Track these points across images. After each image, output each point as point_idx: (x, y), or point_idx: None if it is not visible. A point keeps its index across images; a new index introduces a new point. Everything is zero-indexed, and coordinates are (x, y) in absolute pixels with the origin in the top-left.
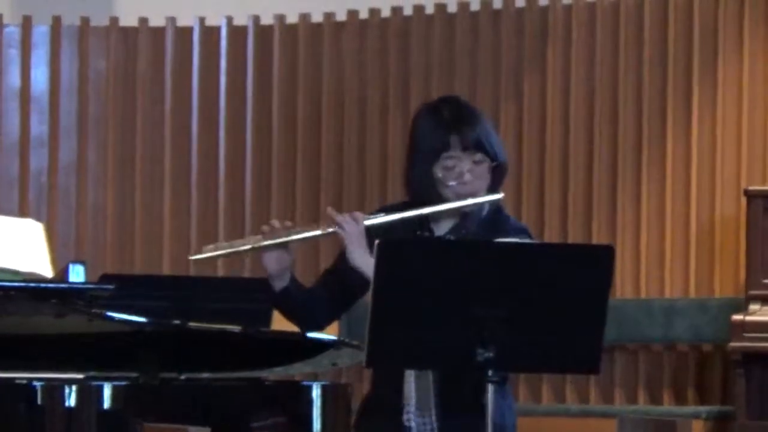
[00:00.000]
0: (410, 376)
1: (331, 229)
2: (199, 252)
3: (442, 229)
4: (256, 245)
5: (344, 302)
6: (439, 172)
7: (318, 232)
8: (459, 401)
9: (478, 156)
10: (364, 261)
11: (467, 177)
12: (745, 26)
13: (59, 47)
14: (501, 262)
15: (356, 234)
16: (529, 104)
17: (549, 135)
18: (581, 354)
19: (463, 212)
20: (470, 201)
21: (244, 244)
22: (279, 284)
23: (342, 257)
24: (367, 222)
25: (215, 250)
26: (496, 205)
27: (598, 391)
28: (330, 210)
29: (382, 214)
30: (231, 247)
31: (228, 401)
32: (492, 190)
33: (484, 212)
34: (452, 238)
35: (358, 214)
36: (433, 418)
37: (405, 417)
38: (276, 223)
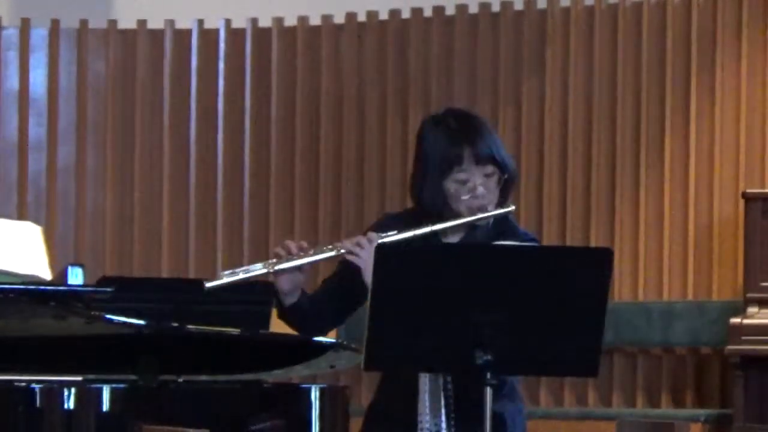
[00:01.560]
0: (425, 386)
1: (344, 251)
2: (215, 279)
3: (450, 239)
4: (271, 269)
5: (347, 310)
6: (451, 187)
7: (332, 254)
8: (471, 409)
9: (489, 169)
10: None
11: (480, 190)
12: (743, 30)
13: (58, 50)
14: (499, 266)
15: (370, 257)
16: (527, 107)
17: (547, 138)
18: (580, 357)
19: (472, 225)
20: (482, 215)
21: (259, 269)
22: (289, 300)
23: (344, 265)
24: (381, 242)
25: (231, 276)
26: (502, 215)
27: (597, 394)
28: (338, 244)
29: (394, 232)
30: (247, 271)
31: (227, 404)
32: (501, 201)
33: (491, 223)
34: (451, 242)
35: (373, 235)
36: (444, 425)
37: (419, 425)
38: (292, 246)
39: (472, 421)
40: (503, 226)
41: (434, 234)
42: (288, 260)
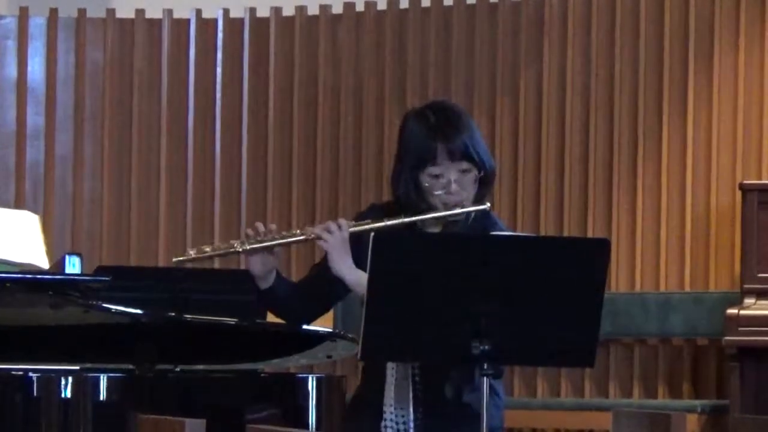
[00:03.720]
0: (391, 378)
1: (313, 236)
2: (184, 254)
3: None
4: (239, 248)
5: (328, 300)
6: (425, 181)
7: (302, 238)
8: (442, 402)
9: (465, 165)
10: (346, 270)
11: (454, 187)
12: (741, 20)
13: (56, 39)
14: (496, 256)
15: (339, 243)
16: (525, 98)
17: (545, 128)
18: (576, 347)
19: (448, 221)
20: (457, 211)
21: (227, 248)
22: (263, 285)
23: (322, 263)
24: (352, 230)
25: (199, 252)
26: (482, 211)
27: (593, 385)
28: (309, 228)
29: (368, 221)
30: (215, 250)
31: (223, 393)
32: (479, 197)
33: (471, 219)
34: (447, 232)
35: (343, 222)
36: (411, 417)
37: (383, 421)
38: (260, 226)
39: (441, 415)
40: (483, 221)
41: (410, 227)
42: (256, 242)
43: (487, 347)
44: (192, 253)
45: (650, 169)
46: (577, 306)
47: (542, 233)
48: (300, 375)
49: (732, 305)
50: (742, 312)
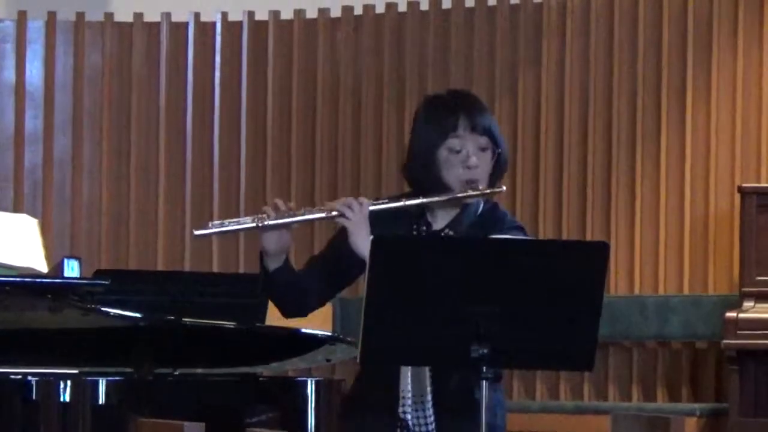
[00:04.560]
0: (407, 371)
1: (335, 213)
2: (204, 228)
3: (439, 221)
4: (260, 224)
5: (331, 290)
6: (443, 156)
7: (322, 215)
8: (453, 396)
9: (484, 141)
10: (365, 247)
11: (473, 160)
12: (739, 22)
13: (54, 42)
14: (495, 259)
15: (360, 220)
16: (523, 100)
17: (543, 130)
18: (575, 350)
19: (462, 204)
20: (473, 192)
21: (247, 223)
22: (273, 264)
23: (332, 244)
24: (372, 208)
25: (220, 227)
26: (492, 201)
27: (592, 388)
28: (329, 204)
29: (386, 200)
30: (236, 224)
31: (222, 396)
32: (492, 183)
33: (481, 207)
34: (447, 233)
35: (364, 199)
36: (428, 412)
37: (401, 410)
38: (280, 203)
39: (452, 407)
40: (491, 212)
41: (422, 212)
42: (277, 217)
43: (485, 350)
44: (213, 226)
45: (649, 171)
46: (576, 309)
47: (541, 236)
48: (299, 378)
49: (731, 308)
50: (741, 315)
